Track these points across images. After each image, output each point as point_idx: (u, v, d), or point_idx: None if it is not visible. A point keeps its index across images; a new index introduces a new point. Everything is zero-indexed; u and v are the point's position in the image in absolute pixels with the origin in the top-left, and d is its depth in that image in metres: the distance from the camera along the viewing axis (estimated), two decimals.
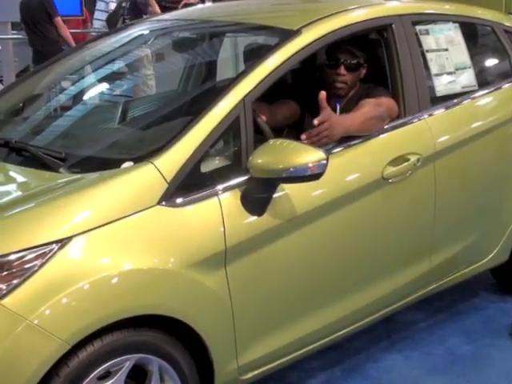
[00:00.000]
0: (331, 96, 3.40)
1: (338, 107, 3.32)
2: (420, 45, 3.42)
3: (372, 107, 3.13)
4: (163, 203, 2.48)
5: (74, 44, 8.62)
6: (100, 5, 11.07)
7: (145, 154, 2.61)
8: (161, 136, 2.75)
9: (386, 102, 3.23)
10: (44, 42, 8.60)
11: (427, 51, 3.45)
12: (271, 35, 3.22)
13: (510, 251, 3.91)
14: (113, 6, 10.64)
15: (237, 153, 2.71)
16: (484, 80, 3.79)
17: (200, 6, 6.49)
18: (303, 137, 2.80)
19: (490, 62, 4.03)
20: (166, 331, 2.50)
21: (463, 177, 3.51)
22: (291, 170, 2.57)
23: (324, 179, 2.65)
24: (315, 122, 2.82)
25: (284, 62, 2.88)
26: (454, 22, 3.66)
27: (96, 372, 2.32)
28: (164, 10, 10.11)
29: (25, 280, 2.20)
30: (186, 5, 9.18)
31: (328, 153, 2.69)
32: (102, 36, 4.25)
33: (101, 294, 2.31)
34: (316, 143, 2.77)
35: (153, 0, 9.46)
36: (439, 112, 3.41)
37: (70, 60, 3.81)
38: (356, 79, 3.39)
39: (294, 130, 3.46)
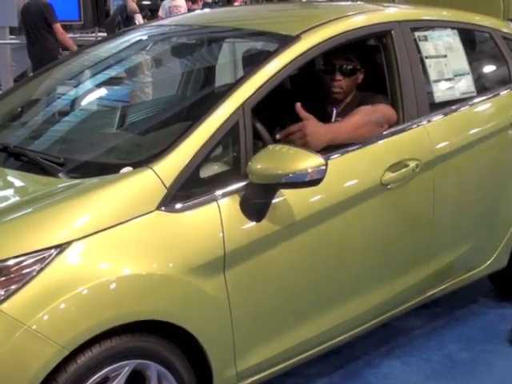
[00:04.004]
0: (328, 101, 3.41)
1: (335, 112, 3.32)
2: (419, 51, 3.43)
3: (366, 114, 3.13)
4: (162, 208, 2.47)
5: (75, 48, 8.62)
6: None
7: (144, 159, 2.60)
8: (160, 141, 2.76)
9: (382, 109, 3.23)
10: (41, 52, 8.54)
11: (426, 57, 3.45)
12: (270, 41, 3.22)
13: (508, 257, 3.90)
14: None
15: (236, 158, 2.70)
16: (482, 86, 3.80)
17: (198, 11, 6.51)
18: (277, 136, 2.86)
19: (489, 68, 4.04)
20: (164, 337, 2.50)
21: (462, 182, 3.52)
22: (290, 175, 2.56)
23: (323, 185, 2.65)
24: (277, 137, 2.88)
25: (283, 67, 2.88)
26: (453, 28, 3.67)
27: (94, 378, 2.31)
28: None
29: (23, 285, 2.20)
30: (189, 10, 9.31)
31: (327, 158, 2.69)
32: (100, 41, 4.25)
33: (99, 300, 2.30)
34: None
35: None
36: (438, 118, 3.42)
37: (69, 65, 3.80)
38: (352, 84, 3.39)
39: None
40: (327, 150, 2.95)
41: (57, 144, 3.22)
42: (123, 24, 9.77)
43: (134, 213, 2.42)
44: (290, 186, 2.63)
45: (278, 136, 2.89)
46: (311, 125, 2.94)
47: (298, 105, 2.93)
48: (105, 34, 10.64)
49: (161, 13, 11.02)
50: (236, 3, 11.89)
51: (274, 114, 3.42)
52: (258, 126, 2.89)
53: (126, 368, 2.40)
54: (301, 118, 2.94)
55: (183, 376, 2.56)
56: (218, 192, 2.60)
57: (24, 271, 2.21)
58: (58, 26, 8.63)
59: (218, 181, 2.63)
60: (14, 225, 2.34)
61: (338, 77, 3.35)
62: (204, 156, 2.60)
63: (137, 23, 9.44)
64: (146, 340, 2.44)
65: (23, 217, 2.37)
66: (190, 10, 9.81)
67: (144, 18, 12.00)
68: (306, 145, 2.87)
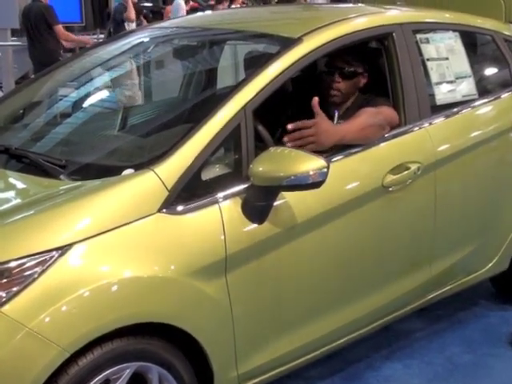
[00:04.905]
0: (330, 103, 3.41)
1: (337, 114, 3.33)
2: (420, 53, 3.43)
3: (370, 116, 3.13)
4: (164, 211, 2.47)
5: (89, 42, 8.69)
6: None
7: (145, 161, 2.60)
8: (161, 143, 2.76)
9: (385, 111, 3.23)
10: (42, 53, 8.54)
11: (428, 60, 3.45)
12: (272, 43, 3.22)
13: (509, 260, 3.90)
14: None
15: (237, 160, 2.71)
16: (484, 89, 3.80)
17: (200, 13, 6.52)
18: (285, 139, 2.81)
19: (490, 70, 4.03)
20: (165, 339, 2.50)
21: (463, 185, 3.51)
22: (292, 177, 2.56)
23: (324, 187, 2.65)
24: (289, 126, 2.83)
25: (285, 70, 2.88)
26: (454, 30, 3.67)
27: (96, 380, 2.31)
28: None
29: (25, 287, 2.20)
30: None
31: (329, 161, 2.69)
32: (102, 43, 4.25)
33: (101, 302, 2.30)
34: (302, 147, 2.78)
35: (130, 4, 9.41)
36: (439, 120, 3.41)
37: (70, 67, 3.81)
38: (352, 87, 3.38)
39: None
40: (328, 151, 2.95)
41: (58, 146, 3.23)
42: (113, 26, 9.65)
43: (135, 215, 2.42)
44: (291, 188, 2.62)
45: (289, 126, 2.83)
46: (324, 123, 2.94)
47: (316, 100, 2.89)
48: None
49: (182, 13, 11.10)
50: (233, 5, 11.92)
51: (276, 116, 3.42)
52: (260, 128, 2.89)
53: (127, 370, 2.40)
54: (307, 117, 2.93)
55: (184, 378, 2.56)
56: (220, 194, 2.60)
57: (26, 273, 2.21)
58: (59, 28, 8.61)
59: (220, 183, 2.63)
60: (16, 227, 2.34)
61: (338, 79, 3.35)
62: (206, 158, 2.60)
63: (127, 28, 9.34)
64: (147, 342, 2.44)
65: (25, 219, 2.37)
66: (196, 10, 9.81)
67: (145, 19, 12.01)
68: (316, 142, 2.87)
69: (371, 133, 3.11)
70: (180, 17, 9.39)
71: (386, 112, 3.23)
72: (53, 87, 3.79)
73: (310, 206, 2.84)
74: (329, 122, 2.99)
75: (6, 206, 2.54)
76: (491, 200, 3.70)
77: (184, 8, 12.27)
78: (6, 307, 2.17)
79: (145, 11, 13.54)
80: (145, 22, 10.82)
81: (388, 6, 3.86)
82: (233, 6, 11.58)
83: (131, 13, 9.44)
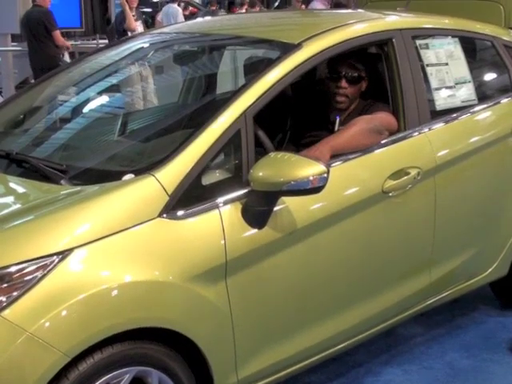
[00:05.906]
0: (331, 109, 3.42)
1: (338, 120, 3.33)
2: (420, 59, 3.43)
3: (362, 123, 3.13)
4: (164, 216, 2.48)
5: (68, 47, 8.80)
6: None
7: (146, 166, 2.61)
8: (162, 148, 2.76)
9: (382, 117, 3.24)
10: (42, 58, 8.56)
11: (427, 65, 3.46)
12: (272, 49, 3.23)
13: (509, 265, 3.90)
14: None
15: (238, 166, 2.71)
16: (484, 94, 3.80)
17: (199, 19, 6.52)
18: None
19: (490, 76, 4.04)
20: (165, 344, 2.50)
21: (463, 191, 3.52)
22: (292, 183, 2.57)
23: (325, 192, 2.65)
24: None
25: (285, 75, 2.88)
26: (454, 36, 3.68)
27: None
28: None
29: (25, 292, 2.20)
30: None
31: (329, 166, 2.69)
32: (102, 49, 4.26)
33: (101, 307, 2.30)
34: None
35: (129, 15, 9.18)
36: (439, 126, 3.42)
37: (70, 72, 3.81)
38: (357, 92, 3.40)
39: (293, 142, 3.47)
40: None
41: (59, 151, 3.23)
42: (118, 37, 9.61)
43: (135, 220, 2.43)
44: (291, 193, 2.63)
45: None
46: (309, 151, 2.96)
47: None
48: (106, 41, 10.68)
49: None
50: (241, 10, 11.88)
51: (276, 121, 3.43)
52: (260, 133, 2.89)
53: (128, 375, 2.40)
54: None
55: (184, 383, 2.56)
56: (220, 199, 2.61)
57: (26, 278, 2.21)
58: (56, 33, 8.64)
59: (220, 188, 2.63)
60: (17, 231, 2.35)
61: (344, 84, 3.36)
62: (206, 163, 2.61)
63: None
64: (147, 347, 2.44)
65: (25, 224, 2.37)
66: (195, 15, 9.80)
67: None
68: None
69: (364, 139, 3.10)
70: (176, 23, 9.35)
71: (382, 117, 3.23)
72: (53, 92, 3.79)
73: (310, 211, 2.84)
74: (310, 151, 2.98)
75: (6, 211, 2.54)
76: (491, 205, 3.71)
77: (181, 13, 12.22)
78: (7, 312, 2.17)
79: (144, 17, 13.51)
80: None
81: (388, 12, 3.87)
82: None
83: (131, 22, 9.23)
